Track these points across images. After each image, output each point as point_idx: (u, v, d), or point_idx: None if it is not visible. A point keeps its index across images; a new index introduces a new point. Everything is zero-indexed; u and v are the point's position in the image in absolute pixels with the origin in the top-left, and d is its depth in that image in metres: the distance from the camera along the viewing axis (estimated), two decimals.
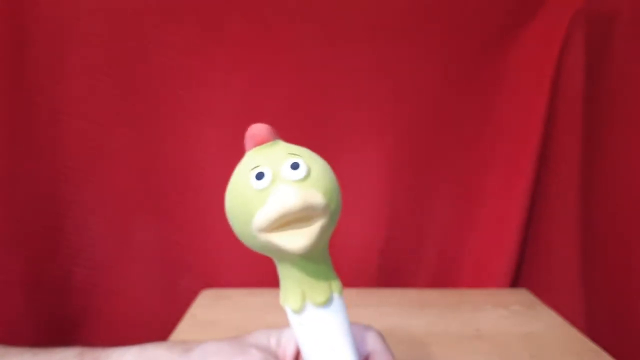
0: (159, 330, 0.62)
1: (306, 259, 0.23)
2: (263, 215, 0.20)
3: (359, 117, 0.60)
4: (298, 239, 0.20)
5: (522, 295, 0.60)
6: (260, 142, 0.23)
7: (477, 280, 0.64)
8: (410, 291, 0.62)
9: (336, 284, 0.24)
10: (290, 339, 0.27)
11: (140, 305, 0.63)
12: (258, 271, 0.63)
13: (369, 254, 0.64)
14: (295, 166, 0.21)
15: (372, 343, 0.26)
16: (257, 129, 0.23)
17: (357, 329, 0.26)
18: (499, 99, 0.62)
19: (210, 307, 0.56)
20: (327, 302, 0.23)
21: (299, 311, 0.23)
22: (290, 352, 0.26)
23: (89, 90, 0.57)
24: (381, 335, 0.27)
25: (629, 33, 0.59)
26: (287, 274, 0.24)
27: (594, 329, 0.60)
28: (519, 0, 0.59)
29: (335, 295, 0.24)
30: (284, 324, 0.28)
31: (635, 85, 0.58)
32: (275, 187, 0.20)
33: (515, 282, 0.65)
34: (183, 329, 0.51)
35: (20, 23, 0.53)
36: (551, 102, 0.60)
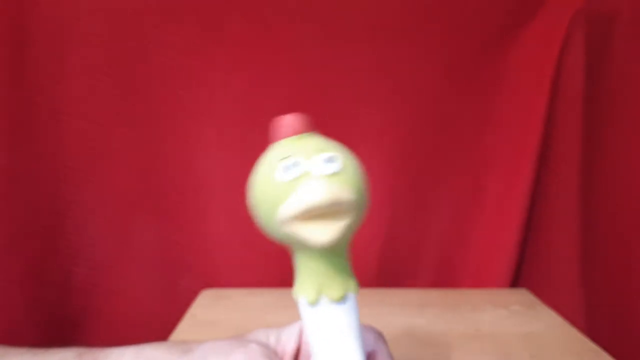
0: (158, 330, 0.62)
1: (327, 254, 0.23)
2: (291, 206, 0.20)
3: (359, 117, 0.60)
4: (323, 233, 0.20)
5: (522, 296, 0.61)
6: (294, 133, 0.23)
7: (477, 280, 0.65)
8: (410, 291, 0.62)
9: (353, 283, 0.24)
10: (290, 337, 0.27)
11: (140, 305, 0.63)
12: (258, 271, 0.63)
13: (370, 254, 0.64)
14: (328, 160, 0.21)
15: (373, 344, 0.26)
16: (292, 119, 0.23)
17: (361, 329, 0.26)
18: (499, 99, 0.62)
19: (210, 307, 0.56)
20: (342, 299, 0.23)
21: (313, 304, 0.23)
22: (289, 350, 0.26)
23: (89, 90, 0.57)
24: (382, 336, 0.27)
25: (629, 33, 0.59)
26: (305, 266, 0.24)
27: (593, 328, 0.61)
28: (519, 1, 0.59)
29: (351, 295, 0.24)
30: (284, 324, 0.28)
31: (635, 85, 0.58)
32: (305, 179, 0.20)
33: (515, 282, 0.65)
34: (183, 329, 0.51)
35: (20, 23, 0.53)
36: (551, 102, 0.60)
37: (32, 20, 0.54)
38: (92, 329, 0.63)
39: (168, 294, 0.63)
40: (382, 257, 0.64)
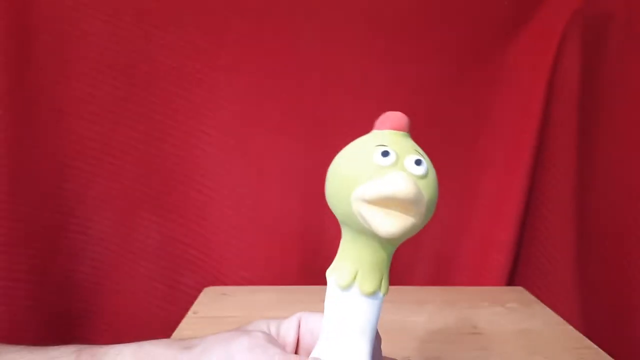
0: (161, 327, 0.62)
1: (377, 247, 0.23)
2: (374, 187, 0.20)
3: (359, 117, 0.61)
4: (390, 223, 0.20)
5: (519, 293, 0.61)
6: (395, 128, 0.23)
7: (474, 278, 0.65)
8: (408, 289, 0.63)
9: (385, 284, 0.24)
10: (290, 329, 0.27)
11: (143, 303, 0.63)
12: (260, 269, 0.63)
13: None
14: (418, 162, 0.22)
15: (377, 351, 0.26)
16: (399, 115, 0.24)
17: None
18: (496, 99, 0.63)
19: (212, 305, 0.57)
20: (372, 295, 0.23)
21: (343, 288, 0.23)
22: (290, 341, 0.27)
23: (91, 91, 0.58)
24: (379, 339, 0.27)
25: (625, 34, 0.59)
26: (350, 250, 0.24)
27: (589, 326, 0.61)
28: (516, 2, 0.60)
29: (380, 295, 0.24)
30: None
31: (630, 86, 0.59)
32: (395, 169, 0.21)
33: (511, 280, 0.65)
34: (185, 327, 0.51)
35: (23, 23, 0.54)
36: (547, 102, 0.60)
37: (34, 21, 0.54)
38: (95, 327, 0.63)
39: (170, 292, 0.63)
40: None
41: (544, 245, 0.63)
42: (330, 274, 0.24)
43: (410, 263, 0.66)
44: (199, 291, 0.60)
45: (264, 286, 0.62)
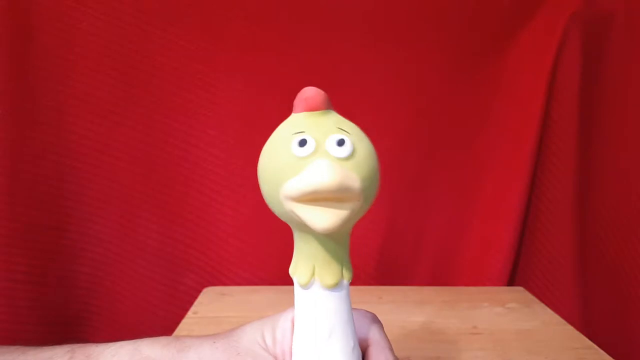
0: (161, 327, 0.62)
1: (326, 239, 0.22)
2: (295, 184, 0.19)
3: (359, 118, 0.61)
4: (325, 218, 0.19)
5: (519, 293, 0.61)
6: (312, 109, 0.22)
7: (475, 278, 0.65)
8: (408, 289, 0.63)
9: (347, 271, 0.23)
10: (285, 334, 0.26)
11: (143, 303, 0.63)
12: (260, 269, 0.63)
13: (368, 251, 0.65)
14: (341, 143, 0.20)
15: (367, 329, 0.26)
16: (312, 93, 0.22)
17: (356, 314, 0.26)
18: (496, 99, 0.63)
19: (212, 305, 0.57)
20: (335, 286, 0.22)
21: (305, 286, 0.23)
22: (287, 349, 0.26)
23: (92, 91, 0.58)
24: (377, 320, 0.27)
25: (625, 35, 0.59)
26: (302, 246, 0.23)
27: (589, 326, 0.61)
28: (516, 2, 0.60)
29: (345, 282, 0.23)
30: None
31: (630, 87, 0.59)
32: (315, 158, 0.19)
33: (511, 280, 0.65)
34: (185, 327, 0.51)
35: (24, 23, 0.54)
36: (548, 102, 0.60)
37: (34, 21, 0.54)
38: (95, 327, 0.63)
39: (170, 292, 0.64)
40: (380, 254, 0.65)
41: (544, 245, 0.63)
42: (293, 273, 0.23)
43: (410, 263, 0.66)
44: (199, 291, 0.60)
45: (264, 286, 0.62)
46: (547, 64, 0.59)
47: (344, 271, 0.23)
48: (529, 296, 0.60)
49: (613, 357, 0.45)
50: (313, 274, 0.22)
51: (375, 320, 0.27)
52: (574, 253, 0.62)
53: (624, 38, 0.59)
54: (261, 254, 0.63)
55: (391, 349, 0.26)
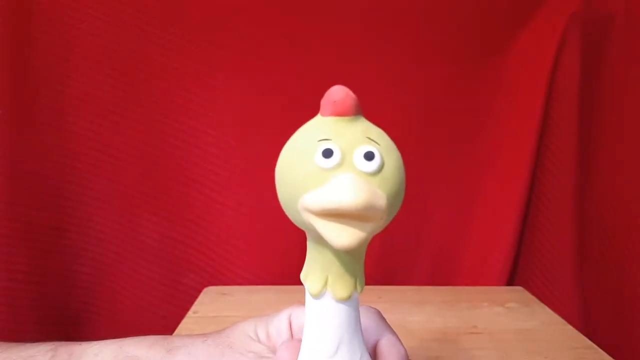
0: (161, 327, 0.63)
1: (342, 253, 0.21)
2: (317, 199, 0.18)
3: None
4: (344, 236, 0.18)
5: (518, 293, 0.61)
6: (340, 114, 0.20)
7: (474, 278, 0.65)
8: (408, 288, 0.63)
9: (360, 284, 0.22)
10: (281, 327, 0.26)
11: (143, 303, 0.63)
12: (260, 269, 0.63)
13: (368, 251, 0.64)
14: (369, 156, 0.18)
15: (376, 330, 0.25)
16: (341, 96, 0.20)
17: (361, 310, 0.25)
18: (496, 99, 0.63)
19: (212, 305, 0.57)
20: (347, 300, 0.22)
21: (315, 296, 0.22)
22: (284, 340, 0.26)
23: (92, 91, 0.58)
24: (382, 318, 0.26)
25: (625, 35, 0.59)
26: (317, 256, 0.22)
27: (589, 325, 0.61)
28: (516, 3, 0.60)
29: (356, 294, 0.22)
30: None
31: (630, 87, 0.59)
32: (340, 172, 0.18)
33: (511, 280, 0.65)
34: (185, 327, 0.51)
35: (24, 23, 0.54)
36: (548, 102, 0.60)
37: (34, 21, 0.54)
38: (95, 326, 0.63)
39: (170, 292, 0.64)
40: (380, 254, 0.65)
41: (544, 245, 0.64)
42: (304, 279, 0.22)
43: (410, 263, 0.66)
44: (199, 291, 0.60)
45: (264, 286, 0.62)
46: (547, 64, 0.59)
47: (358, 284, 0.22)
48: (528, 296, 0.60)
49: (613, 357, 0.45)
50: (325, 284, 0.21)
51: (380, 317, 0.27)
52: (573, 253, 0.62)
53: (624, 38, 0.59)
54: (261, 254, 0.63)
55: (401, 343, 0.25)
